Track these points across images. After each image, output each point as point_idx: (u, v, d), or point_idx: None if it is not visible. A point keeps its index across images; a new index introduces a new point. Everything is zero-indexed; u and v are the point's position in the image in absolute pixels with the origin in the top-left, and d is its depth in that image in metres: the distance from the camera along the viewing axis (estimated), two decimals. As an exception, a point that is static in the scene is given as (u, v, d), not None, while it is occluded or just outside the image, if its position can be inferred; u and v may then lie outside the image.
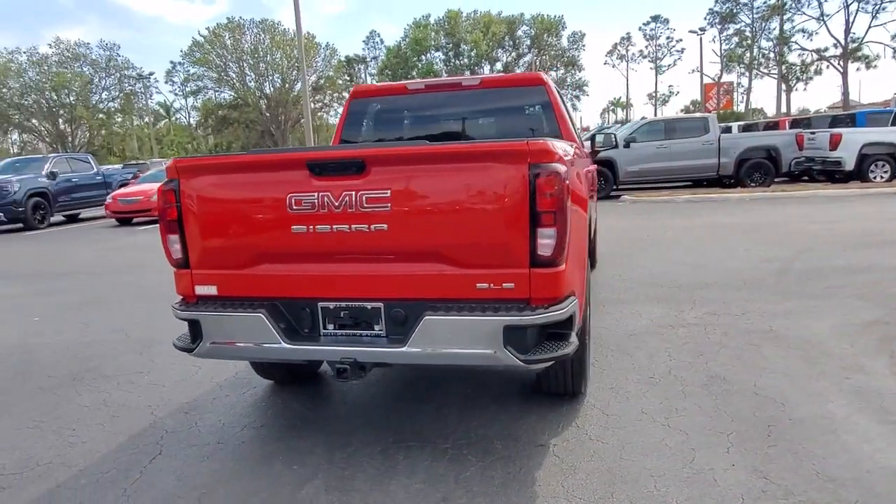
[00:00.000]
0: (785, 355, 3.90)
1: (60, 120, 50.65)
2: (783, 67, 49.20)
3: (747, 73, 55.53)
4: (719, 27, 53.93)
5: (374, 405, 3.62)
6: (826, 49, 46.13)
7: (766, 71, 52.66)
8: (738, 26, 52.29)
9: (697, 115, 20.82)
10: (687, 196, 13.79)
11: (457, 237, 2.52)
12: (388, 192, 2.52)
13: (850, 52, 43.07)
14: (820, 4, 44.01)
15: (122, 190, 16.12)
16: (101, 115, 51.96)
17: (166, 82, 57.57)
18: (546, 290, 2.51)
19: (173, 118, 64.89)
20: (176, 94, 61.48)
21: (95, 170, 18.31)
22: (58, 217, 16.96)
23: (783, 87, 50.79)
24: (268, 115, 53.77)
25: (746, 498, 2.40)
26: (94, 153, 36.52)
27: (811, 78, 49.14)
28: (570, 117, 5.01)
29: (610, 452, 2.82)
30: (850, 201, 11.98)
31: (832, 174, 15.22)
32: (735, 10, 51.36)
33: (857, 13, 41.96)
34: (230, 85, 53.74)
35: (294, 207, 2.62)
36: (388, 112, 4.99)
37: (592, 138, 6.11)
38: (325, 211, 2.58)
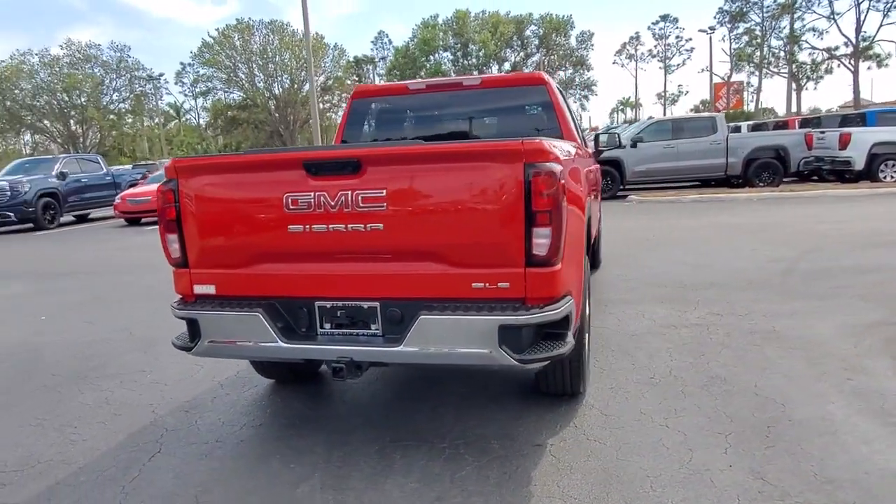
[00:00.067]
0: (787, 356, 3.88)
1: (72, 121, 51.03)
2: (793, 66, 48.84)
3: (757, 73, 55.18)
4: (729, 26, 53.68)
5: (374, 404, 3.63)
6: (837, 48, 45.79)
7: (776, 70, 52.31)
8: (748, 25, 51.97)
9: (705, 114, 20.71)
10: (694, 196, 13.72)
11: (452, 237, 2.52)
12: (384, 191, 2.53)
13: (861, 51, 42.68)
14: (830, 3, 43.65)
15: (131, 190, 16.23)
16: (111, 116, 52.30)
17: (176, 83, 57.71)
18: (541, 290, 2.51)
19: (183, 119, 65.32)
20: (186, 95, 61.92)
21: (105, 170, 18.47)
22: (68, 217, 17.12)
23: (793, 86, 50.43)
24: (277, 115, 53.94)
25: (742, 499, 2.39)
26: (105, 154, 36.86)
27: (821, 77, 48.77)
28: (571, 117, 4.99)
29: (607, 452, 2.81)
30: (859, 201, 11.89)
31: (842, 174, 15.11)
32: (745, 9, 51.02)
33: (868, 11, 41.56)
34: (239, 86, 53.97)
35: (291, 207, 2.63)
36: (389, 112, 5.00)
37: (596, 138, 6.09)
38: (321, 210, 2.59)
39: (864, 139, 14.52)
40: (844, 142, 14.42)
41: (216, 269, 2.86)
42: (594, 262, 6.69)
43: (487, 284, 2.52)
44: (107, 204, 17.32)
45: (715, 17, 57.19)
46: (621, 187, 15.11)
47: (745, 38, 52.82)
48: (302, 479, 2.72)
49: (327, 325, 2.76)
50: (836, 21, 43.67)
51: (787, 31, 48.25)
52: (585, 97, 63.62)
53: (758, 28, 51.46)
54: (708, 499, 2.40)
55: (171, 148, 57.69)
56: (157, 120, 60.75)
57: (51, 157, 19.62)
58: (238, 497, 2.62)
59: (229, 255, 2.82)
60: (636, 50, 72.11)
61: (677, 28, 69.28)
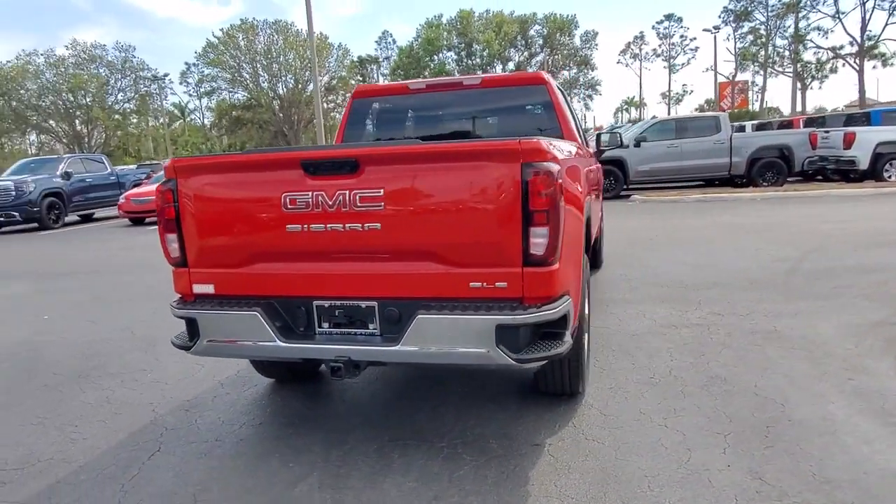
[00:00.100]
0: (788, 356, 3.86)
1: (77, 121, 51.22)
2: (798, 66, 48.66)
3: (762, 72, 55.01)
4: (734, 25, 53.47)
5: (374, 403, 3.63)
6: (842, 47, 45.57)
7: (780, 69, 52.13)
8: (752, 24, 51.80)
9: (709, 113, 20.64)
10: (697, 196, 13.69)
11: (450, 236, 2.52)
12: (381, 191, 2.53)
13: (867, 50, 42.48)
14: (836, 2, 43.35)
15: (135, 190, 16.28)
16: (116, 116, 52.48)
17: (181, 83, 57.88)
18: (539, 290, 2.51)
19: (188, 119, 65.53)
20: (190, 95, 61.94)
21: (109, 170, 18.53)
22: (72, 217, 17.17)
23: (798, 85, 50.24)
24: (281, 115, 54.03)
25: (740, 499, 2.38)
26: (110, 154, 36.96)
27: (826, 76, 48.59)
28: (572, 116, 4.99)
29: (605, 452, 2.80)
30: (863, 201, 11.84)
31: (846, 173, 15.06)
32: (750, 8, 50.85)
33: (873, 10, 41.33)
34: (244, 86, 54.07)
35: (289, 207, 2.64)
36: (389, 112, 5.01)
37: (597, 137, 6.09)
38: (319, 210, 2.60)
39: (868, 139, 14.47)
40: (849, 141, 14.38)
41: (215, 268, 2.86)
42: (596, 262, 6.68)
43: (485, 284, 2.52)
44: (111, 204, 17.39)
45: (719, 17, 56.92)
46: (624, 187, 15.07)
47: (750, 37, 52.66)
48: (300, 478, 2.73)
49: (325, 325, 2.77)
50: (841, 20, 43.52)
51: (791, 30, 48.10)
52: (590, 97, 63.59)
53: (762, 27, 51.30)
54: (705, 499, 2.40)
55: (176, 148, 57.84)
56: (161, 120, 60.89)
57: (55, 156, 19.69)
58: (236, 496, 2.63)
59: (228, 255, 2.83)
60: (640, 49, 71.94)
61: (682, 27, 69.14)
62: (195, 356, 3.04)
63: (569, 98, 5.50)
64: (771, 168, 14.82)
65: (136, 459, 2.98)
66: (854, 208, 10.84)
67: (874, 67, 46.24)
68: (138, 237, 12.99)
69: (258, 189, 2.72)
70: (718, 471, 2.58)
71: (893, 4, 40.24)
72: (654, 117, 21.14)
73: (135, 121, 56.35)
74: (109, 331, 5.38)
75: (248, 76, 53.70)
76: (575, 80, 62.17)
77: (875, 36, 42.60)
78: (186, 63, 62.06)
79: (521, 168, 2.41)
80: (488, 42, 57.48)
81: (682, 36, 69.18)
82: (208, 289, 2.89)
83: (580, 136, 5.11)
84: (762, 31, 51.34)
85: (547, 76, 4.71)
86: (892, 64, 43.77)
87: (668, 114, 60.47)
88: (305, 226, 2.63)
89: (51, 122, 50.87)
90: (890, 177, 14.37)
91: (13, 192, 15.01)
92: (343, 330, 2.75)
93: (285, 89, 54.15)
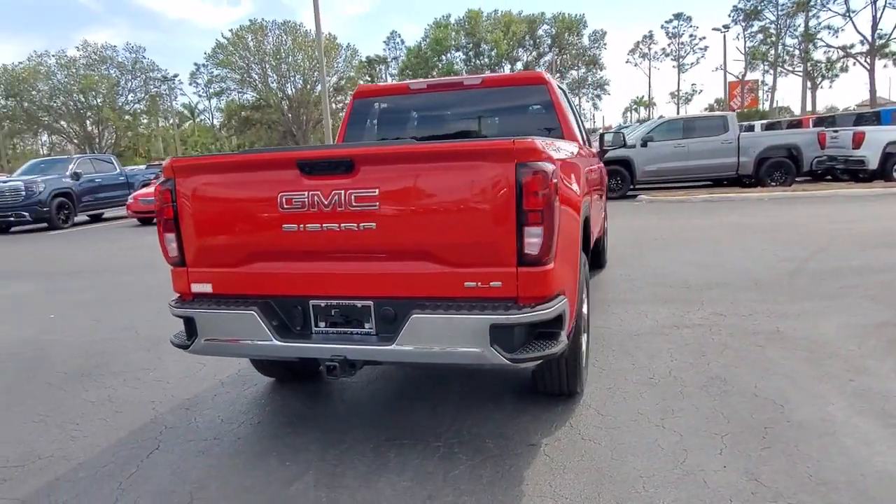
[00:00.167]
0: (789, 356, 3.84)
1: (88, 121, 51.71)
2: (808, 65, 48.32)
3: (772, 71, 54.66)
4: (743, 24, 53.21)
5: (373, 403, 3.64)
6: (852, 46, 45.23)
7: (791, 69, 51.80)
8: (762, 23, 51.52)
9: (716, 113, 20.52)
10: (704, 196, 13.62)
11: (445, 236, 2.53)
12: (377, 191, 2.54)
13: (878, 49, 42.14)
14: (846, 0, 43.07)
15: (143, 190, 16.36)
16: (127, 117, 52.95)
17: (190, 84, 58.51)
18: (534, 289, 2.51)
19: (197, 119, 65.92)
20: (200, 96, 62.63)
21: (118, 170, 18.64)
22: (81, 217, 17.29)
23: (808, 84, 49.90)
24: (289, 115, 54.29)
25: (735, 500, 2.37)
26: (120, 154, 37.31)
27: (837, 75, 48.28)
28: (574, 116, 4.98)
29: (601, 453, 2.80)
30: (871, 201, 11.74)
31: (855, 173, 14.94)
32: (760, 7, 50.58)
33: (884, 9, 41.01)
34: (253, 86, 54.40)
35: (285, 206, 2.65)
36: (390, 112, 5.02)
37: (601, 137, 6.07)
38: (315, 210, 2.61)
39: (878, 138, 14.34)
40: (858, 141, 14.26)
41: (213, 267, 2.88)
42: (599, 262, 6.67)
43: (480, 283, 2.53)
44: (120, 204, 17.48)
45: (729, 16, 56.83)
46: (631, 187, 15.02)
47: (760, 36, 52.43)
48: (296, 477, 2.74)
49: (321, 324, 2.78)
50: (851, 19, 43.26)
51: (801, 29, 47.80)
52: (598, 96, 63.57)
53: (772, 26, 51.02)
54: (700, 499, 2.39)
55: (186, 148, 58.24)
56: (171, 120, 61.35)
57: (65, 157, 19.84)
58: (233, 494, 2.64)
59: (225, 254, 2.84)
60: (650, 49, 71.71)
61: (691, 26, 68.96)
62: (198, 355, 3.06)
63: (571, 97, 5.48)
64: (779, 168, 14.72)
65: (135, 457, 3.00)
66: (862, 208, 10.75)
67: (885, 66, 45.96)
68: (146, 237, 13.06)
69: (255, 189, 2.73)
70: (714, 472, 2.57)
71: (905, 3, 39.90)
72: (660, 117, 21.07)
73: (145, 121, 56.86)
74: (114, 330, 5.42)
75: (256, 77, 54.02)
76: (583, 79, 62.11)
77: (886, 34, 42.27)
78: (196, 64, 62.37)
79: (516, 168, 2.41)
80: (496, 42, 57.51)
81: (691, 35, 68.86)
82: (206, 288, 2.91)
83: (582, 135, 5.09)
84: (772, 30, 51.08)
85: (547, 76, 4.71)
86: (903, 63, 43.41)
87: (678, 113, 60.22)
88: (301, 225, 2.65)
89: (62, 122, 51.38)
90: (899, 177, 14.24)
91: (23, 193, 15.13)
92: (339, 329, 2.75)
93: (294, 90, 54.44)
